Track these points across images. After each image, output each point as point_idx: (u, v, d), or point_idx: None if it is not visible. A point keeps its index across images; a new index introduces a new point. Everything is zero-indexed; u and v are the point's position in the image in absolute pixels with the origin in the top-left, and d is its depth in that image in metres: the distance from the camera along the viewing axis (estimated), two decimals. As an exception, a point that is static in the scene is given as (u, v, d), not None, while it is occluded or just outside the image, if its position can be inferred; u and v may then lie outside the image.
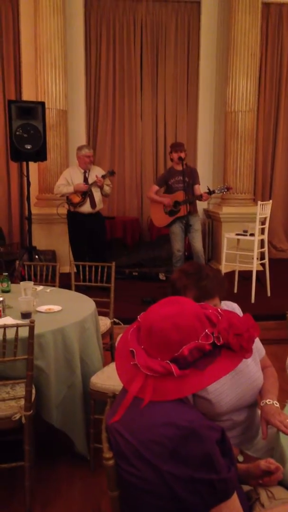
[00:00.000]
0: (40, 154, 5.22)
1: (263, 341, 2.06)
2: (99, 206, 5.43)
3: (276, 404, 1.74)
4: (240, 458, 1.60)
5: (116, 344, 2.18)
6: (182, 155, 5.06)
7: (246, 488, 1.46)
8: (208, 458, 1.11)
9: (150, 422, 1.16)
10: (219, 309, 1.30)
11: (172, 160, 5.22)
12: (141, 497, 1.17)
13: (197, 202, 5.19)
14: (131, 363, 1.24)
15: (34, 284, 3.00)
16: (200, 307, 1.29)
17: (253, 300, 4.99)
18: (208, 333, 1.21)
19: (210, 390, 1.73)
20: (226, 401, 1.75)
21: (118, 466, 1.20)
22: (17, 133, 5.05)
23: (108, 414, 1.33)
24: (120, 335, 1.39)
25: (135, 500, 1.19)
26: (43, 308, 2.76)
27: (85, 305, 2.93)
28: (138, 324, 1.30)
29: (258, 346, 1.97)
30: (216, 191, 5.08)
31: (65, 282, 3.79)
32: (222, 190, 5.14)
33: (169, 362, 1.19)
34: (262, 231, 5.28)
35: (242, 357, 1.24)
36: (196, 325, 1.21)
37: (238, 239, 5.34)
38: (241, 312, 1.95)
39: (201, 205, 6.53)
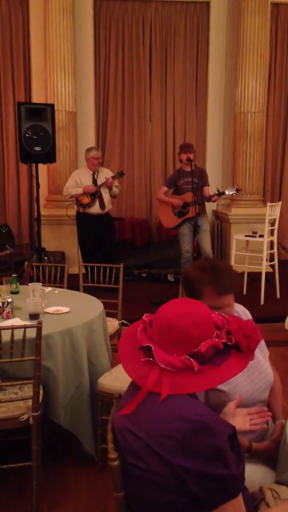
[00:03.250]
0: (49, 156, 5.25)
1: (272, 343, 2.07)
2: (108, 207, 5.46)
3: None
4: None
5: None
6: (191, 156, 5.03)
7: (251, 489, 1.46)
8: (219, 452, 1.12)
9: (161, 416, 1.18)
10: (223, 315, 1.35)
11: (181, 161, 5.20)
12: (153, 493, 1.18)
13: (206, 203, 5.18)
14: (142, 360, 1.26)
15: (43, 285, 3.01)
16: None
17: (262, 302, 4.98)
18: (220, 333, 1.26)
19: (227, 381, 1.77)
20: (242, 394, 1.75)
21: (128, 463, 1.21)
22: (27, 135, 5.08)
23: (114, 413, 1.34)
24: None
25: (147, 496, 1.20)
26: (51, 309, 2.78)
27: (93, 306, 2.93)
28: (145, 324, 1.33)
29: (263, 344, 1.97)
30: (226, 192, 5.06)
31: (73, 283, 3.80)
32: (232, 192, 5.11)
33: (189, 357, 1.22)
34: (272, 233, 5.26)
35: (248, 358, 1.29)
36: (211, 324, 1.27)
37: (247, 241, 5.33)
38: (249, 314, 1.96)
39: (210, 206, 6.51)
